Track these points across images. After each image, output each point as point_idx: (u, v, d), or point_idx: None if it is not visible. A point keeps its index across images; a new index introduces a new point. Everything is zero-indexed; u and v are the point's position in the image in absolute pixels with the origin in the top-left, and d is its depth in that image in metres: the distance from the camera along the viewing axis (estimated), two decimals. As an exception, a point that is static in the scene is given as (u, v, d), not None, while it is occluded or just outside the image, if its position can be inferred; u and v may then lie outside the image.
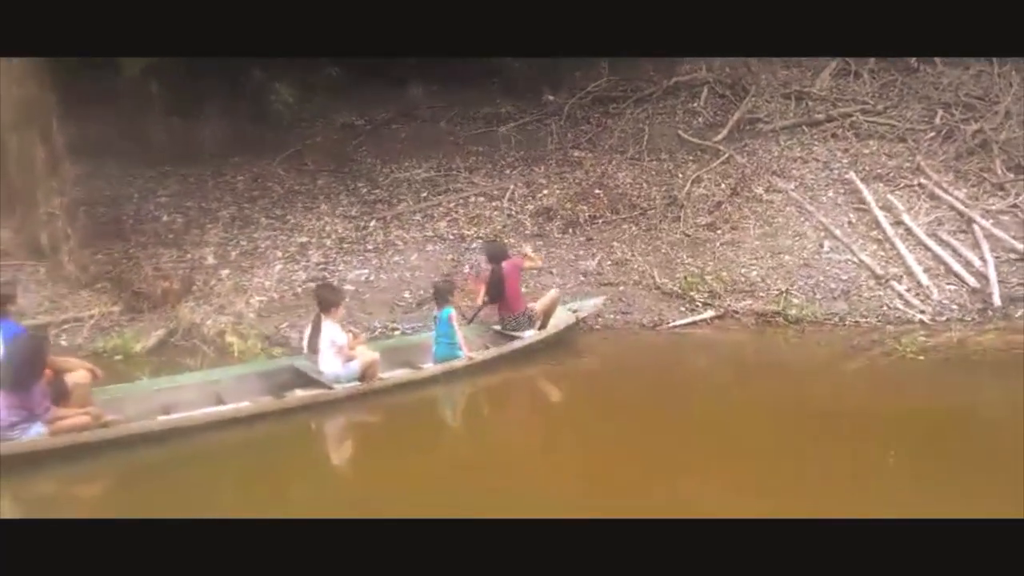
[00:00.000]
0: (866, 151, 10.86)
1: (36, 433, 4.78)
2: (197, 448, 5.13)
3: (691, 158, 11.02)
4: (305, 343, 6.30)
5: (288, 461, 5.19)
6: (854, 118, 11.38)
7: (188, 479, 4.80)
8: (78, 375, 5.17)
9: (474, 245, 9.40)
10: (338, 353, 6.02)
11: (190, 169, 11.45)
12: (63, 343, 7.42)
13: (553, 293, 7.54)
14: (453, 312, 6.73)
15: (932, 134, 11.00)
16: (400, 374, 6.44)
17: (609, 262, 9.06)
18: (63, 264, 8.34)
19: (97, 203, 10.11)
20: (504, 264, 7.23)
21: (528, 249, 8.01)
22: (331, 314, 6.11)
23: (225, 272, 8.74)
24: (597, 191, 10.15)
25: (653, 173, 10.72)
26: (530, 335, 7.17)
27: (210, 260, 9.08)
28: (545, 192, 10.45)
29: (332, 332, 6.04)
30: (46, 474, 4.69)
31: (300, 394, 5.94)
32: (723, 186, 10.29)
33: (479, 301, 7.38)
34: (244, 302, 8.15)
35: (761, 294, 8.42)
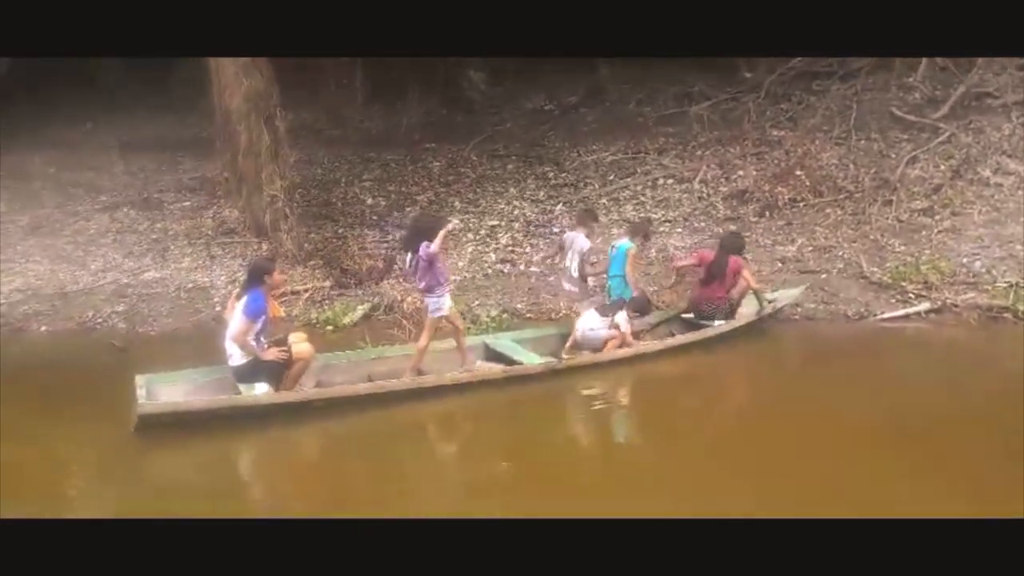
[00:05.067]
0: (1119, 125, 9.40)
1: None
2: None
3: (906, 137, 10.07)
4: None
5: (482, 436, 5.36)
6: (1106, 87, 9.88)
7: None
8: (304, 348, 5.58)
9: (662, 229, 9.20)
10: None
11: (391, 154, 12.12)
12: (282, 313, 8.14)
13: (746, 281, 7.19)
14: (633, 248, 6.66)
15: None
16: (589, 356, 6.39)
17: (810, 248, 8.51)
18: (283, 242, 9.13)
19: (311, 186, 10.96)
20: (733, 258, 6.94)
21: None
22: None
23: (422, 252, 9.16)
24: (798, 172, 9.55)
25: (861, 153, 9.92)
26: (720, 324, 6.91)
27: (409, 241, 9.57)
28: (740, 174, 10.00)
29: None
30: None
31: (493, 367, 6.12)
32: (943, 168, 9.32)
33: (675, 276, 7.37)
34: (439, 281, 8.51)
35: (986, 287, 7.53)
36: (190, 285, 8.83)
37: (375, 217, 10.25)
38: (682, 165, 10.53)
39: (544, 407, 5.84)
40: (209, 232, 10.22)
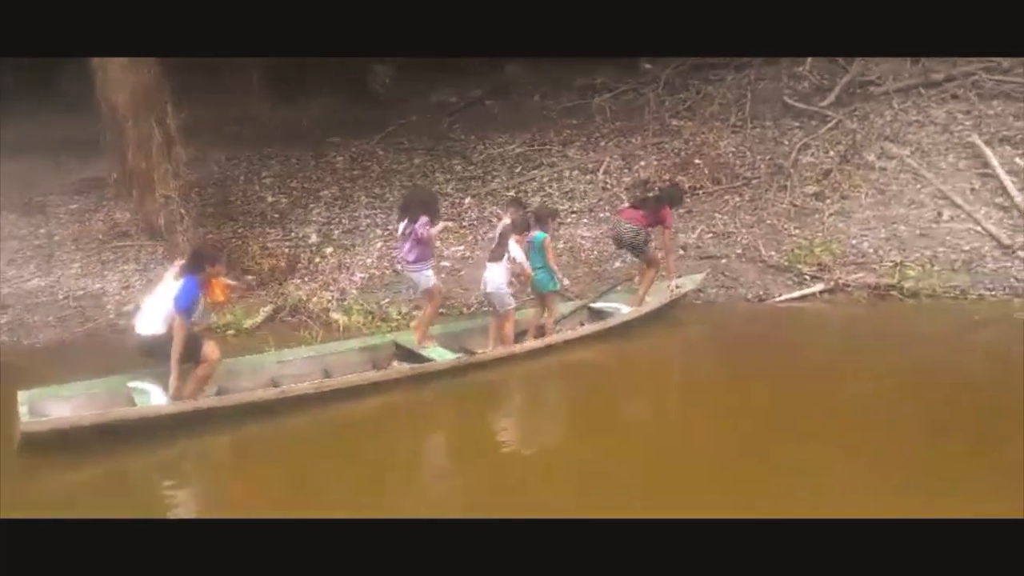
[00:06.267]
0: (990, 112, 10.07)
1: None
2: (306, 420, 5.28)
3: (797, 124, 10.52)
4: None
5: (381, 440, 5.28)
6: (976, 77, 10.55)
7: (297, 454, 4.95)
8: (210, 349, 5.36)
9: (568, 220, 9.30)
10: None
11: (292, 150, 11.78)
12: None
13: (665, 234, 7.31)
14: (547, 238, 6.65)
15: (1067, 91, 10.10)
16: (508, 348, 6.35)
17: (710, 234, 8.78)
18: (178, 244, 8.72)
19: (207, 185, 10.54)
20: (666, 209, 7.15)
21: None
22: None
23: (328, 250, 8.97)
24: (697, 161, 9.84)
25: (756, 141, 10.30)
26: (627, 311, 7.04)
27: (313, 239, 9.34)
28: (642, 164, 10.21)
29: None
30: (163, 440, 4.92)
31: (401, 367, 6.03)
32: (832, 153, 9.78)
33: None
34: (347, 279, 8.35)
35: (874, 266, 7.97)
36: (80, 292, 8.35)
37: (276, 215, 9.94)
38: (586, 156, 10.67)
39: (456, 404, 5.80)
40: (100, 236, 9.67)
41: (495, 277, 6.36)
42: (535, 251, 6.60)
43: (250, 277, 8.22)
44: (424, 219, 6.04)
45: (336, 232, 9.53)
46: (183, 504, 4.52)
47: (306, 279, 8.32)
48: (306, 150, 11.76)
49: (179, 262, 5.51)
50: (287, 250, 8.85)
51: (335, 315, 7.52)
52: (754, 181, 9.55)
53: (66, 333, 7.56)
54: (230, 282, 5.89)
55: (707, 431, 5.03)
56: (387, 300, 7.91)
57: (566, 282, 7.14)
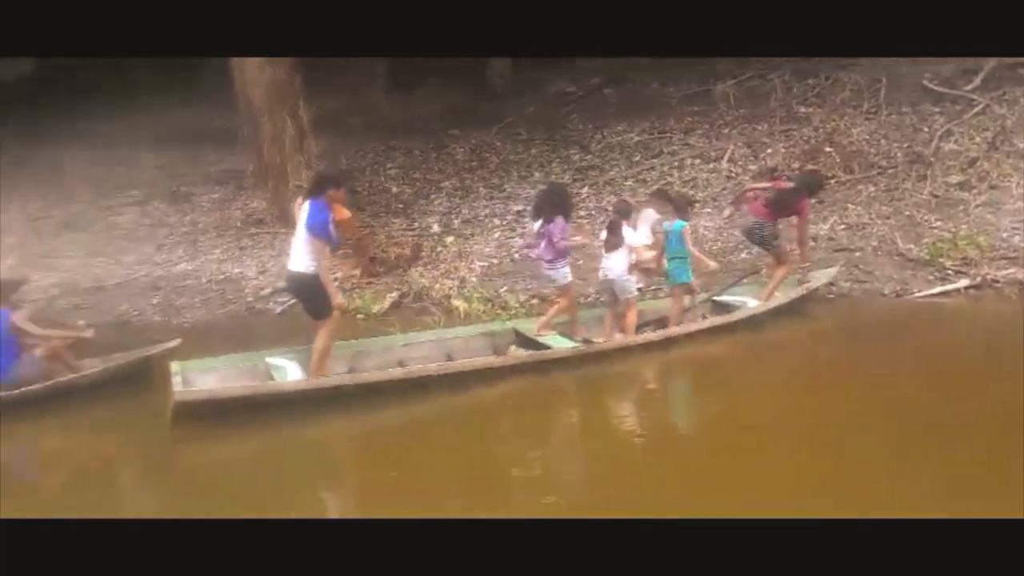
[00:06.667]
0: None
1: None
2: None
3: (938, 110, 9.87)
4: None
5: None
6: None
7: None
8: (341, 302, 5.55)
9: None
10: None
11: (414, 142, 12.12)
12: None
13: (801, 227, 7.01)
14: (686, 226, 6.50)
15: None
16: (628, 339, 6.26)
17: (843, 226, 8.36)
18: (310, 232, 9.14)
19: (336, 176, 10.98)
20: (806, 200, 6.87)
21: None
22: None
23: (449, 239, 9.17)
24: (828, 149, 9.39)
25: (893, 128, 9.73)
26: (754, 305, 6.82)
27: (435, 228, 9.58)
28: (769, 152, 9.86)
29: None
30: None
31: (520, 352, 6.10)
32: (978, 140, 9.12)
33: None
34: (467, 267, 8.52)
35: (1027, 261, 7.38)
36: (221, 276, 8.92)
37: (400, 205, 10.26)
38: (709, 144, 10.41)
39: (574, 393, 5.80)
40: (238, 224, 10.30)
41: (616, 264, 6.33)
42: (674, 240, 6.49)
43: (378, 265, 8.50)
44: (560, 224, 6.10)
45: (456, 222, 9.74)
46: (318, 481, 4.72)
47: (429, 267, 8.53)
48: (427, 142, 12.06)
49: (299, 200, 5.62)
50: (411, 239, 9.11)
51: (456, 302, 7.68)
52: (890, 170, 9.03)
53: (209, 314, 8.09)
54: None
55: (838, 432, 4.77)
56: (505, 288, 8.00)
57: (713, 264, 6.90)
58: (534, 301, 7.65)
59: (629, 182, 10.01)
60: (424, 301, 7.78)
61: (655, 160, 10.37)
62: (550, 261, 6.20)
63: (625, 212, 6.71)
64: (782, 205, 6.74)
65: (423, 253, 8.82)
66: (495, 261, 8.73)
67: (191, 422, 4.96)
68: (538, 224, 6.27)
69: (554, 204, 6.28)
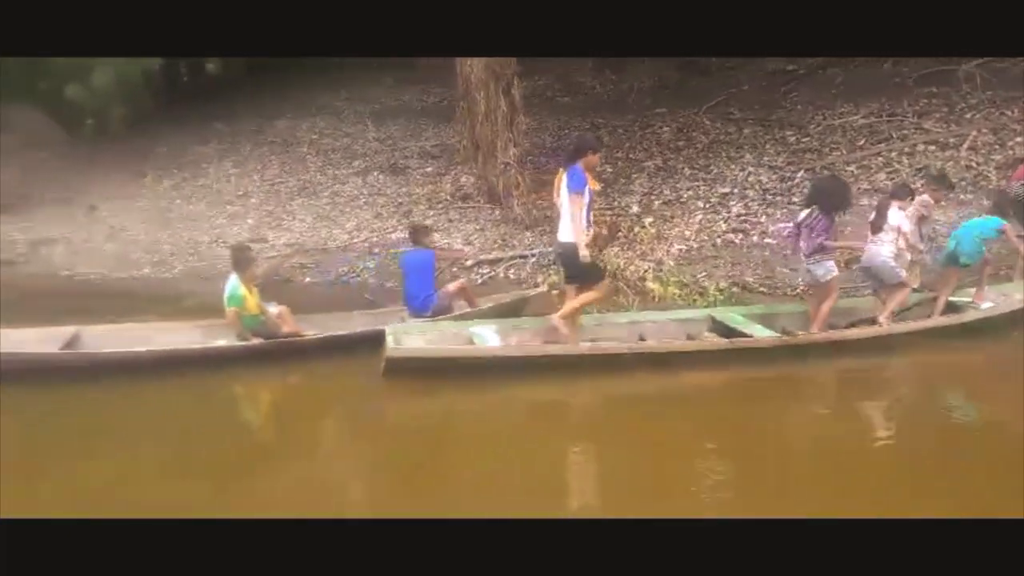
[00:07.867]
0: None
1: None
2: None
3: None
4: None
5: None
6: None
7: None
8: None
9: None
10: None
11: (619, 120, 12.04)
12: (511, 276, 8.48)
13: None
14: (1007, 225, 6.23)
15: None
16: (839, 334, 5.92)
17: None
18: (513, 208, 9.45)
19: (540, 154, 11.23)
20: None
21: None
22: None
23: (648, 220, 9.05)
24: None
25: None
26: (987, 306, 6.15)
27: (635, 209, 9.50)
28: (1018, 140, 8.73)
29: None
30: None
31: (715, 339, 5.94)
32: None
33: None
34: (665, 250, 8.38)
35: None
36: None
37: (601, 184, 10.21)
38: (947, 130, 9.41)
39: (776, 388, 5.51)
40: (447, 197, 10.85)
41: (879, 250, 6.03)
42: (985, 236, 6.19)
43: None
44: (824, 220, 5.85)
45: (656, 203, 9.59)
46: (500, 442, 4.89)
47: (625, 248, 8.49)
48: (633, 120, 11.94)
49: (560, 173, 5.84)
50: (608, 218, 9.11)
51: (651, 284, 7.59)
52: None
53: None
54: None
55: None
56: (703, 274, 7.79)
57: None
58: (734, 289, 7.40)
59: (851, 167, 9.30)
60: (618, 281, 7.76)
61: (882, 144, 9.54)
62: (810, 255, 5.94)
63: (900, 195, 6.28)
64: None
65: (620, 233, 8.79)
66: (695, 245, 8.51)
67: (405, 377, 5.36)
68: (804, 214, 6.01)
69: (827, 196, 5.98)
